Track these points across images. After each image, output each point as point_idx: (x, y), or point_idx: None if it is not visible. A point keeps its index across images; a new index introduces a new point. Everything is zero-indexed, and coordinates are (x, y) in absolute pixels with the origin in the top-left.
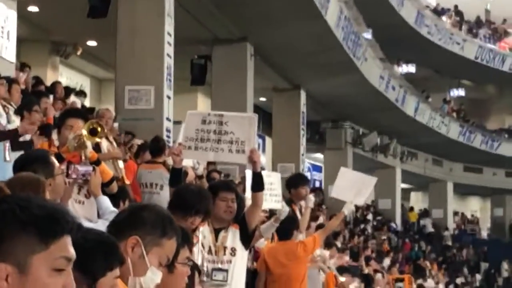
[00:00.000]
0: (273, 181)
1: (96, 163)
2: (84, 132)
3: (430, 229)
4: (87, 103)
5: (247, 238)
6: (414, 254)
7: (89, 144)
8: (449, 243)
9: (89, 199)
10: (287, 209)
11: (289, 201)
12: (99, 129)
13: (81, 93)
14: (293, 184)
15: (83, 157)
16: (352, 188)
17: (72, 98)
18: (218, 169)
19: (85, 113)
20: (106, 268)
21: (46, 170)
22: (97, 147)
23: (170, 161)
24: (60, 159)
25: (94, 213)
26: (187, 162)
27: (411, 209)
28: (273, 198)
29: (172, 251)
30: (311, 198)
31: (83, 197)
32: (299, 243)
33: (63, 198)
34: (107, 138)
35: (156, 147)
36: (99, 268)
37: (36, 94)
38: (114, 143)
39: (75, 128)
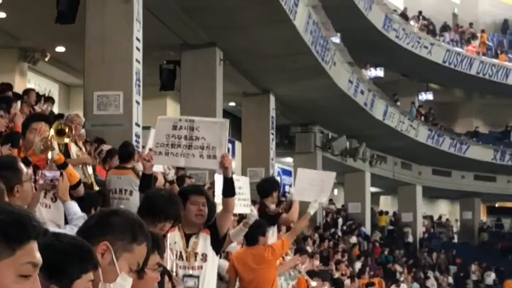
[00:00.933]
0: (241, 185)
1: (63, 166)
2: (52, 132)
3: (389, 227)
4: (56, 109)
5: (218, 243)
6: (384, 258)
7: (55, 146)
8: (410, 240)
9: (55, 203)
10: (255, 213)
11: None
12: (66, 129)
13: (48, 99)
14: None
15: (49, 160)
16: (313, 187)
17: (44, 104)
18: (187, 174)
19: (49, 117)
20: (82, 271)
21: (14, 177)
22: (66, 153)
23: (139, 166)
24: (26, 162)
25: (61, 217)
26: (157, 167)
27: (381, 212)
28: (241, 202)
29: (142, 257)
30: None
31: (50, 200)
32: (267, 247)
33: (31, 204)
34: (76, 144)
35: (126, 152)
36: (74, 270)
37: (2, 100)
38: (83, 149)
39: (41, 131)
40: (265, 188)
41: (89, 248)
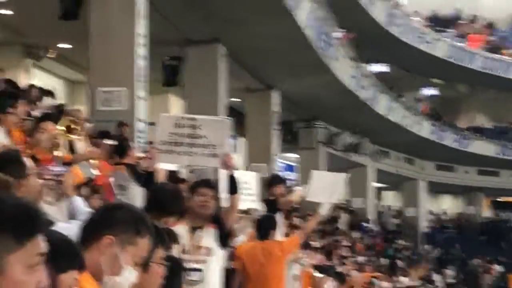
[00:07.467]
0: (248, 180)
1: (70, 163)
2: (60, 128)
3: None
4: None
5: (223, 238)
6: (388, 253)
7: (62, 144)
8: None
9: (59, 201)
10: (262, 208)
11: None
12: (73, 126)
13: (48, 94)
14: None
15: (56, 158)
16: (326, 188)
17: (45, 100)
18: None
19: (57, 117)
20: (69, 266)
21: (18, 170)
22: (71, 148)
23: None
24: (34, 160)
25: (64, 215)
26: (167, 165)
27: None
28: (249, 197)
29: (146, 250)
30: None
31: (53, 199)
32: (277, 243)
33: (36, 199)
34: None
35: (120, 148)
36: (62, 264)
37: (8, 95)
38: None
39: (48, 131)
40: (271, 182)
41: (78, 247)
